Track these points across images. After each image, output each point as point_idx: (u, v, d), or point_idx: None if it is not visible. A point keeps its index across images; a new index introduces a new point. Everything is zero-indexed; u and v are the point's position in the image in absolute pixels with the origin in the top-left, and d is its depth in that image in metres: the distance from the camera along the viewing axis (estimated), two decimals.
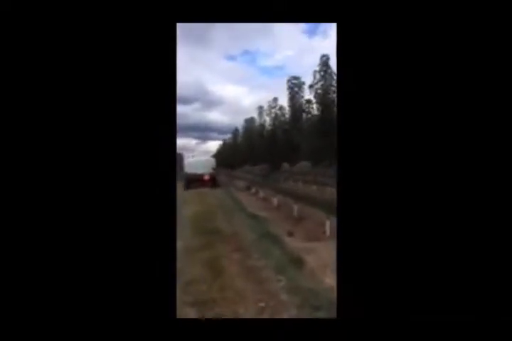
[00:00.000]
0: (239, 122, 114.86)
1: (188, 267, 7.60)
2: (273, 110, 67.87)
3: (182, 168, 35.36)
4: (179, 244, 8.97)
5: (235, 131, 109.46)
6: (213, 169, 36.06)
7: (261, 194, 22.69)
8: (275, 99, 67.33)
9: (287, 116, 61.71)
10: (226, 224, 13.16)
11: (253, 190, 26.64)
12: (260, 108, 79.82)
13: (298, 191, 25.90)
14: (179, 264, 4.54)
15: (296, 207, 14.20)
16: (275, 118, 67.10)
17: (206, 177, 33.80)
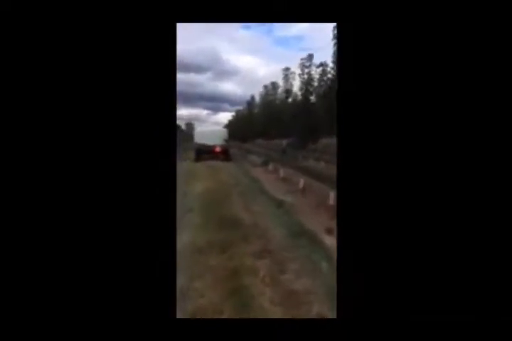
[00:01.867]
0: (253, 93, 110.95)
1: (193, 282, 5.94)
2: (306, 70, 62.75)
3: (192, 138, 35.78)
4: (185, 239, 8.25)
5: (251, 100, 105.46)
6: (225, 141, 35.90)
7: (281, 173, 22.04)
8: (310, 57, 62.33)
9: (330, 75, 55.95)
10: (245, 211, 11.84)
11: (271, 167, 26.57)
12: (287, 70, 75.89)
13: (323, 171, 24.81)
14: (181, 275, 4.36)
15: (332, 194, 12.33)
16: (308, 81, 62.25)
17: (218, 149, 34.19)
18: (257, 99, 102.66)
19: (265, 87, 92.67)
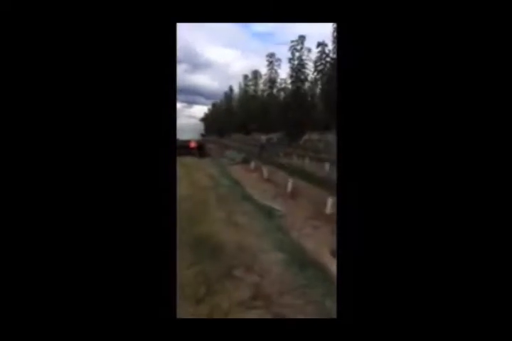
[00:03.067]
0: (231, 84, 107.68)
1: None
2: (297, 54, 57.20)
3: None
4: None
5: (229, 92, 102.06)
6: (202, 135, 35.79)
7: (265, 172, 21.99)
8: (302, 39, 56.76)
9: (329, 59, 52.01)
10: (227, 225, 10.52)
11: (252, 166, 26.71)
12: (271, 56, 70.70)
13: (310, 170, 24.44)
14: None
15: (330, 201, 12.01)
16: (299, 67, 57.18)
17: (193, 145, 34.40)
18: (236, 90, 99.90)
19: (245, 76, 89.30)
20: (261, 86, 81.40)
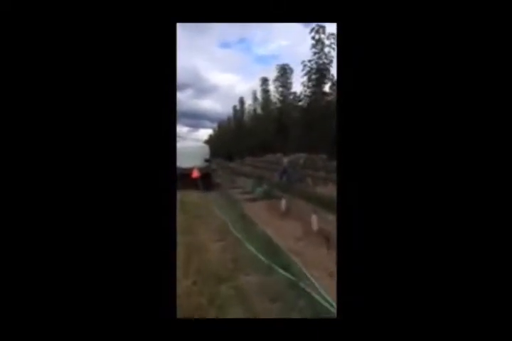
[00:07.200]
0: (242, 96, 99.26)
1: None
2: None
3: None
4: None
5: (239, 106, 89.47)
6: (207, 161, 32.54)
7: (314, 222, 13.72)
8: None
9: None
10: None
11: (283, 205, 18.44)
12: (315, 31, 43.25)
13: None
14: None
15: None
16: None
17: (196, 174, 29.72)
18: (249, 102, 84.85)
19: (263, 79, 68.05)
20: (294, 86, 59.49)
